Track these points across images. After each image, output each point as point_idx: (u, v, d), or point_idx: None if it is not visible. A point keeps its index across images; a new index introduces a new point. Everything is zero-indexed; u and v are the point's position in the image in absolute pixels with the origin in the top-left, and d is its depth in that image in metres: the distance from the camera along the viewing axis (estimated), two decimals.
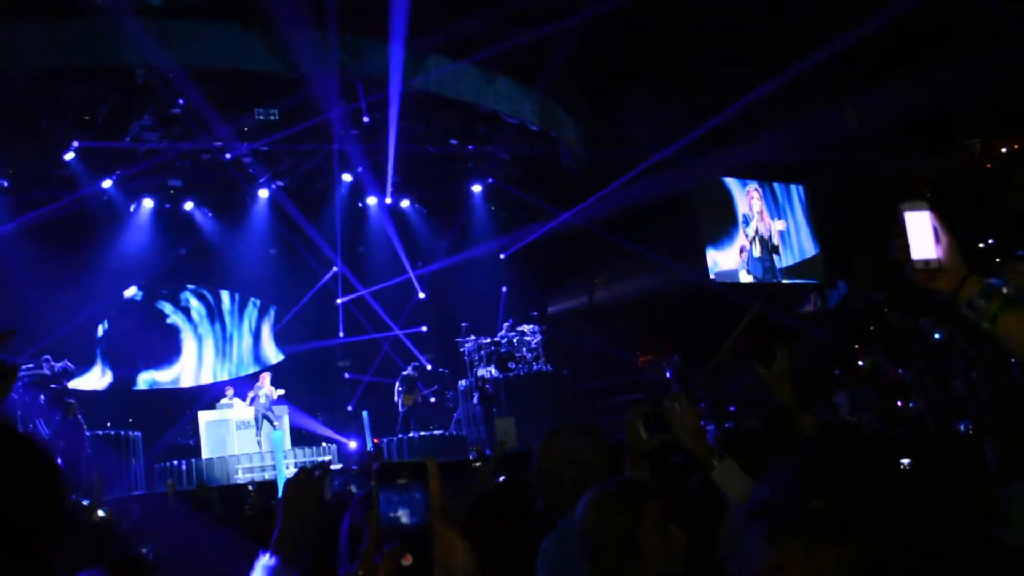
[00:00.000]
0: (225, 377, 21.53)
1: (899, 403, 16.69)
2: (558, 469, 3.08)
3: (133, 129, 16.93)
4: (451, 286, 22.83)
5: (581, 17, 16.22)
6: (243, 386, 19.23)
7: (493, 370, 19.03)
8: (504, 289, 22.46)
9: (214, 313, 22.18)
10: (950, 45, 17.94)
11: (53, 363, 16.86)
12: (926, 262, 2.06)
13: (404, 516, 1.49)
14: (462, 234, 23.15)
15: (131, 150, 17.85)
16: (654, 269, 22.56)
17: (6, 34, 14.19)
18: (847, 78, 19.26)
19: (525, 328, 19.89)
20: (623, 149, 20.39)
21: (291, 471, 16.34)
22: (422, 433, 18.83)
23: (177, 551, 4.43)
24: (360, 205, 22.22)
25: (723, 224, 24.12)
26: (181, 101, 16.24)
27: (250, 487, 11.85)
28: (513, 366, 19.17)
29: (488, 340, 19.76)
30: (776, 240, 25.15)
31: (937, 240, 2.07)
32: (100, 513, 6.75)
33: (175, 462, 17.11)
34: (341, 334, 22.36)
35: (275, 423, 17.96)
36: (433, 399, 20.66)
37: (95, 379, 19.98)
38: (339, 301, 22.27)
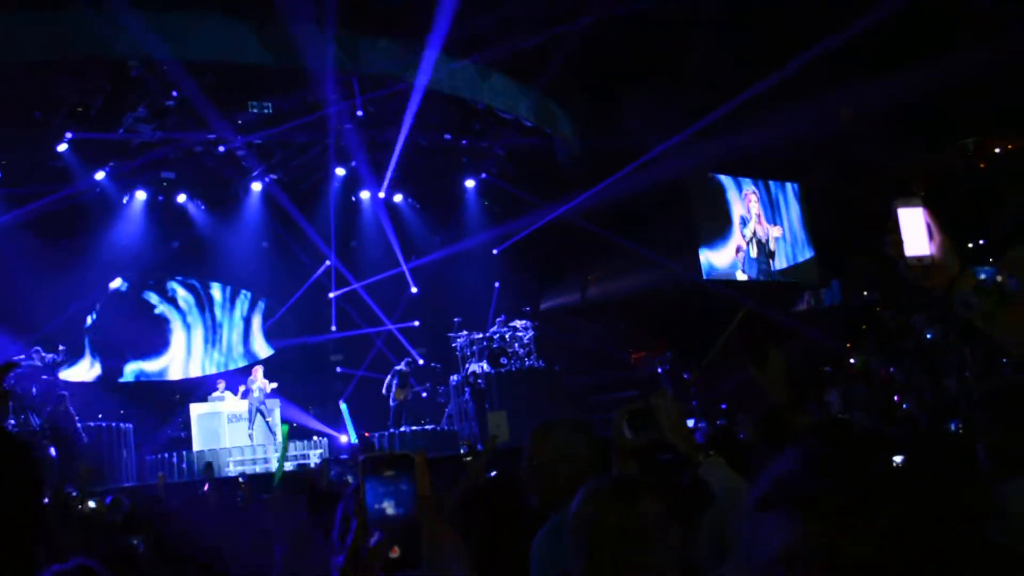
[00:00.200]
0: (213, 371, 21.48)
1: (892, 401, 16.70)
2: (550, 465, 3.08)
3: (127, 121, 16.90)
4: (444, 281, 22.81)
5: (578, 16, 16.25)
6: (234, 379, 19.22)
7: (485, 365, 19.03)
8: (497, 284, 22.45)
9: (203, 305, 22.11)
10: (945, 43, 17.95)
11: (43, 354, 16.85)
12: (919, 258, 2.06)
13: (391, 508, 1.49)
14: (455, 229, 23.12)
15: (124, 142, 17.81)
16: (648, 266, 22.57)
17: (0, 24, 14.15)
18: (841, 75, 19.25)
19: (518, 324, 19.89)
20: (618, 145, 20.40)
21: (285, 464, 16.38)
22: (413, 428, 18.83)
23: (170, 543, 4.42)
24: (353, 199, 22.20)
25: (718, 222, 24.13)
26: (175, 93, 16.22)
27: (241, 479, 11.82)
28: (505, 361, 19.15)
29: (480, 335, 19.77)
30: (773, 245, 25.18)
31: (931, 237, 2.06)
32: (91, 504, 6.74)
33: (166, 455, 17.10)
34: (333, 328, 22.33)
35: (268, 417, 17.96)
36: (425, 394, 20.66)
37: (84, 370, 19.94)
38: (332, 295, 22.24)
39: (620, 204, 20.53)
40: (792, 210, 26.16)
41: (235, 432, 17.85)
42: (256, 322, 22.69)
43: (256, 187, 20.76)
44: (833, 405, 16.99)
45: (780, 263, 25.39)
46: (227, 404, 18.27)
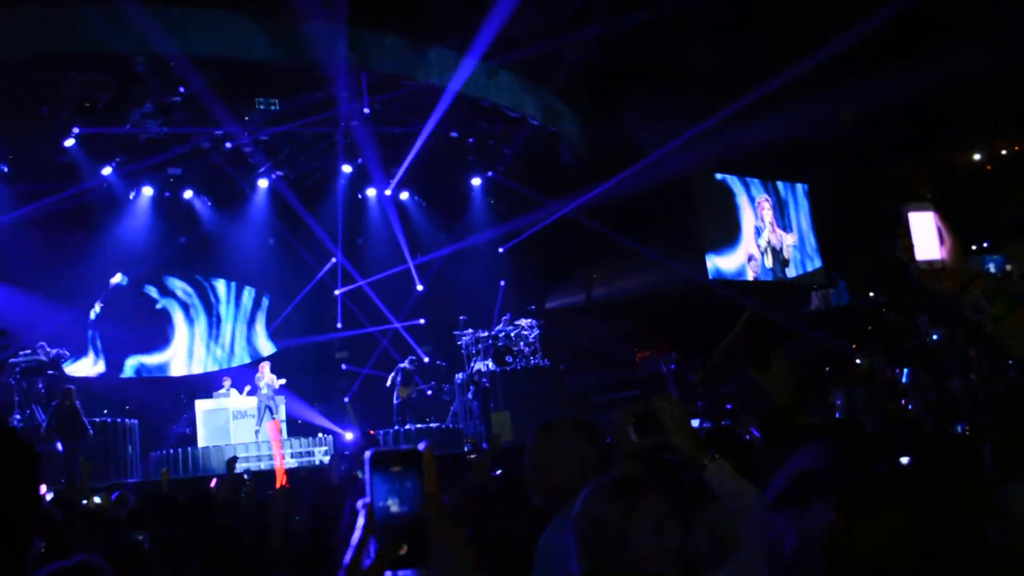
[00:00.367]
0: (215, 367, 21.51)
1: (896, 403, 16.67)
2: (553, 464, 3.08)
3: (133, 117, 16.90)
4: (449, 279, 22.81)
5: (586, 16, 16.25)
6: (240, 376, 19.23)
7: (490, 363, 19.03)
8: (502, 283, 22.44)
9: (206, 301, 22.10)
10: (950, 44, 17.92)
11: (48, 349, 16.90)
12: (930, 263, 2.07)
13: (398, 504, 1.48)
14: (461, 227, 23.12)
15: (131, 138, 17.83)
16: (653, 266, 22.55)
17: (7, 19, 14.17)
18: (845, 76, 19.23)
19: (523, 322, 19.88)
20: (623, 145, 20.39)
21: (289, 461, 16.41)
22: (418, 425, 18.86)
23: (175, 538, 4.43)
24: (360, 196, 22.21)
25: (725, 224, 24.12)
26: (182, 89, 16.21)
27: (246, 476, 11.84)
28: (510, 360, 19.15)
29: (486, 333, 19.76)
30: (787, 253, 25.16)
31: (941, 241, 2.07)
32: (96, 500, 6.76)
33: (171, 450, 17.13)
34: (339, 325, 22.34)
35: (275, 414, 18.00)
36: (430, 392, 20.67)
37: (88, 366, 19.97)
38: (338, 292, 22.25)
39: (626, 203, 20.53)
40: (802, 213, 26.13)
41: (240, 429, 17.87)
42: (260, 319, 22.70)
43: (262, 184, 20.77)
44: (838, 407, 16.97)
45: (793, 271, 25.42)
46: (233, 400, 18.29)
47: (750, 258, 24.19)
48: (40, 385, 16.24)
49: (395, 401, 19.18)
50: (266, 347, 22.45)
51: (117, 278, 20.19)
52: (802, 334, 21.95)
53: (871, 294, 25.67)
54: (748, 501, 2.58)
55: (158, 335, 21.33)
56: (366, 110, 17.98)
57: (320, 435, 18.82)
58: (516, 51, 17.14)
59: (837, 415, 14.77)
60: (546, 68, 18.47)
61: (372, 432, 18.47)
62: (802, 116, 19.14)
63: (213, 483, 7.76)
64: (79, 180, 18.45)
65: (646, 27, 16.96)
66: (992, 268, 22.92)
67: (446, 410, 20.02)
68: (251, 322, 22.60)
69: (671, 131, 19.98)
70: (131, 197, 19.96)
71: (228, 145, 18.72)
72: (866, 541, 1.31)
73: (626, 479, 2.39)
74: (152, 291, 21.39)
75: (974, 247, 22.70)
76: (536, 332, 19.83)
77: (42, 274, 19.20)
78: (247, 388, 18.29)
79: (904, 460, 3.69)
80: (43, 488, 7.94)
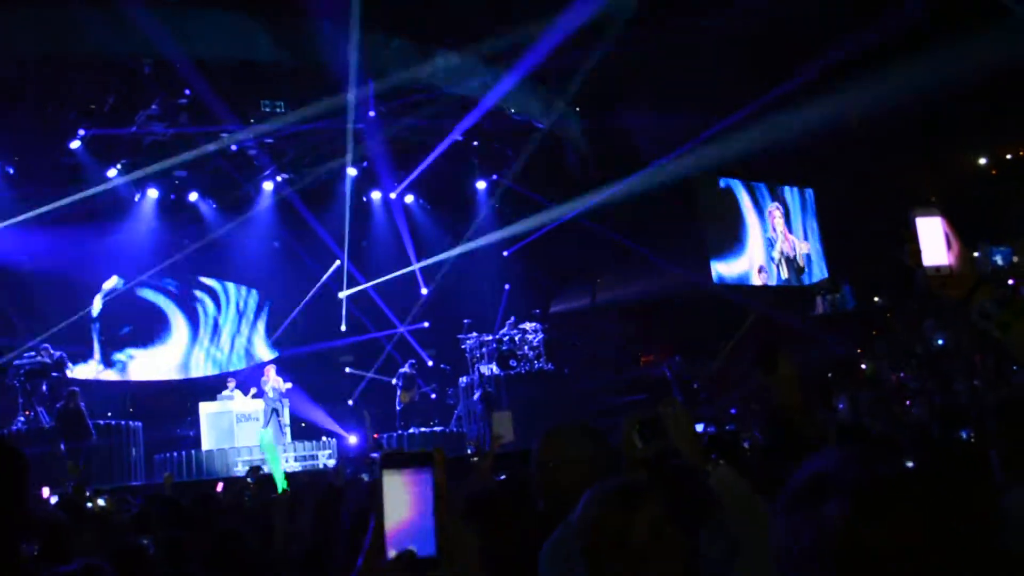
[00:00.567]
0: (213, 371, 21.57)
1: (901, 407, 16.65)
2: (558, 470, 3.09)
3: (139, 119, 16.93)
4: (454, 282, 22.80)
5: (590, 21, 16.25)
6: (245, 379, 19.23)
7: (494, 367, 19.03)
8: (507, 287, 22.43)
9: (205, 304, 22.12)
10: (957, 50, 17.90)
11: (52, 351, 16.92)
12: (937, 268, 2.06)
13: (408, 508, 1.47)
14: (466, 230, 23.12)
15: (137, 140, 17.86)
16: (657, 270, 22.53)
17: (13, 22, 14.20)
18: (852, 81, 19.23)
19: (527, 326, 19.87)
20: (628, 149, 20.41)
21: (292, 464, 16.42)
22: (422, 429, 18.86)
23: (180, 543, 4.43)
24: (364, 199, 22.22)
25: (729, 227, 24.10)
26: (187, 91, 16.24)
27: (249, 479, 11.84)
28: (514, 364, 19.16)
29: (490, 337, 19.76)
30: (802, 261, 25.15)
31: (949, 246, 2.06)
32: (101, 502, 6.76)
33: (174, 453, 17.12)
34: (343, 328, 22.35)
35: (281, 417, 18.02)
36: (434, 396, 20.69)
37: (92, 368, 20.03)
38: (342, 295, 22.26)
39: (630, 207, 20.52)
40: (809, 219, 26.11)
41: (244, 431, 17.86)
42: (260, 324, 22.72)
43: (268, 186, 20.80)
44: (842, 412, 16.96)
45: (809, 278, 25.44)
46: (237, 403, 18.27)
47: (760, 269, 24.14)
48: (44, 387, 16.25)
49: (397, 406, 19.19)
50: (265, 353, 22.47)
51: (112, 281, 20.23)
52: (807, 338, 21.95)
53: (876, 298, 25.68)
54: (751, 505, 2.58)
55: (156, 337, 21.34)
56: (371, 113, 18.00)
57: (324, 438, 18.80)
58: (523, 56, 17.17)
59: (841, 419, 14.71)
60: (551, 71, 18.47)
61: (376, 436, 18.47)
62: (808, 120, 19.13)
63: (219, 487, 7.76)
64: (84, 182, 18.49)
65: (651, 32, 16.99)
66: (999, 260, 22.92)
67: (450, 414, 20.02)
68: (252, 327, 22.61)
69: (676, 135, 19.99)
70: (136, 199, 20.00)
71: (233, 147, 18.75)
72: (880, 542, 1.31)
73: (627, 484, 2.39)
74: (149, 294, 21.38)
75: (977, 254, 22.66)
76: (540, 336, 19.83)
77: (47, 276, 19.26)
78: (253, 391, 18.28)
79: (909, 464, 3.68)
80: (46, 491, 7.96)
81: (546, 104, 19.65)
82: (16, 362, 16.97)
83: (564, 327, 22.18)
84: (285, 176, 20.58)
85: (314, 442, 18.44)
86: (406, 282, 22.45)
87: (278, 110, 17.17)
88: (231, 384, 18.63)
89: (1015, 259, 22.97)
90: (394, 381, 19.47)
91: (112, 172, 18.72)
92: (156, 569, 3.89)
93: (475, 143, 20.19)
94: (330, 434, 19.38)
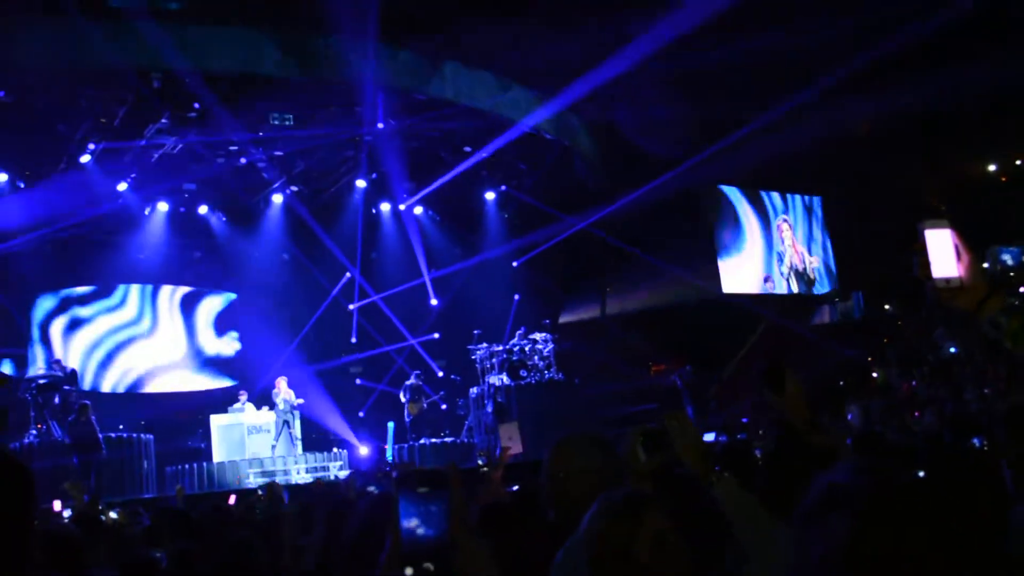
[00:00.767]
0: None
1: (912, 416, 16.60)
2: (568, 480, 3.10)
3: (149, 132, 16.98)
4: (463, 293, 22.81)
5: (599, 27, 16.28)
6: (257, 391, 19.24)
7: (505, 378, 19.02)
8: (516, 297, 22.42)
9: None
10: (965, 57, 17.89)
11: (64, 365, 17.01)
12: (947, 280, 2.06)
13: (425, 527, 1.48)
14: (475, 241, 23.13)
15: (147, 153, 17.92)
16: (667, 279, 22.53)
17: (23, 36, 14.27)
18: (862, 88, 19.22)
19: (537, 336, 19.85)
20: (638, 159, 20.40)
21: (304, 476, 16.42)
22: (433, 440, 18.85)
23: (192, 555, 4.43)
24: (373, 211, 22.25)
25: (735, 236, 24.08)
26: (196, 104, 16.28)
27: (260, 492, 11.84)
28: (525, 374, 19.14)
29: (500, 347, 19.75)
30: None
31: (958, 258, 2.06)
32: (113, 515, 6.76)
33: (186, 465, 17.15)
34: (353, 340, 22.36)
35: (291, 429, 18.06)
36: (444, 406, 20.69)
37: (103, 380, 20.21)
38: (352, 307, 22.28)
39: (640, 217, 20.52)
40: (817, 228, 26.06)
41: (255, 443, 17.88)
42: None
43: (277, 199, 20.86)
44: (853, 421, 16.91)
45: (819, 289, 25.42)
46: (248, 415, 18.30)
47: (766, 278, 24.10)
48: (56, 400, 16.30)
49: (406, 418, 19.20)
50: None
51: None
52: (818, 346, 21.92)
53: (886, 306, 25.62)
54: (755, 517, 2.59)
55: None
56: (380, 124, 18.03)
57: (335, 450, 18.81)
58: (530, 66, 17.20)
59: (853, 429, 14.67)
60: (558, 80, 18.48)
61: (385, 447, 18.48)
62: (816, 128, 19.12)
63: (232, 500, 7.76)
64: (95, 196, 18.58)
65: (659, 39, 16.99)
66: (1009, 260, 22.86)
67: (461, 424, 20.01)
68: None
69: (685, 145, 19.99)
70: (147, 212, 20.08)
71: (243, 160, 18.80)
72: (887, 554, 1.31)
73: (630, 495, 2.40)
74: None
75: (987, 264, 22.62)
76: (551, 346, 19.81)
77: (57, 289, 19.38)
78: (263, 405, 18.32)
79: (920, 473, 3.67)
80: (58, 505, 7.97)
81: (555, 115, 19.64)
82: (28, 375, 17.07)
83: (574, 337, 22.16)
84: (294, 188, 20.63)
85: (325, 453, 18.45)
86: (416, 294, 22.45)
87: (287, 123, 17.19)
88: (243, 397, 18.65)
89: None
90: (401, 396, 19.47)
91: (122, 186, 18.80)
92: None
93: (484, 154, 20.20)
94: (341, 445, 19.39)
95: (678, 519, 2.33)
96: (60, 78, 15.16)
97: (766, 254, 24.58)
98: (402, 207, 21.85)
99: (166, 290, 21.89)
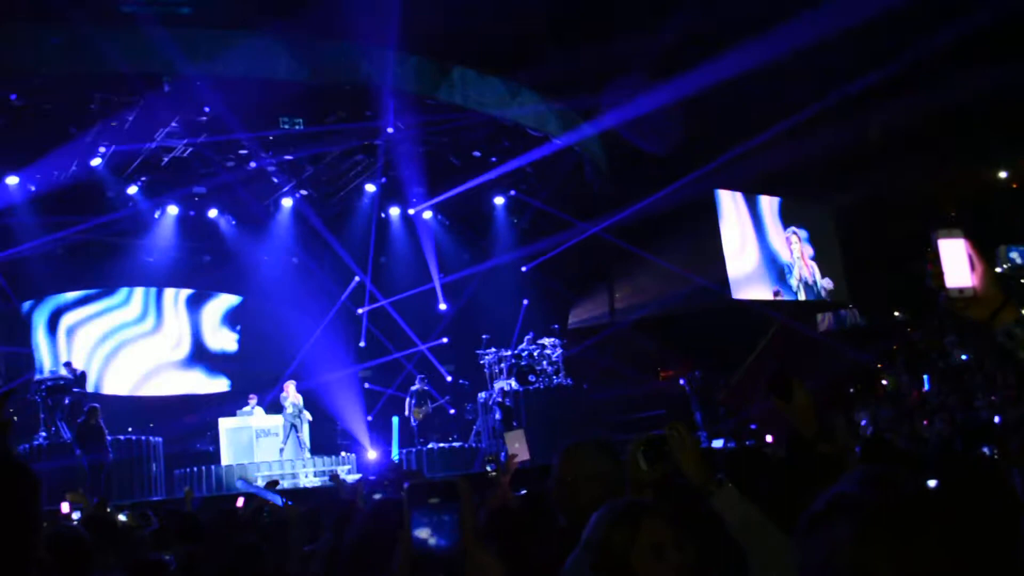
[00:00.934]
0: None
1: (922, 423, 16.55)
2: (577, 485, 3.11)
3: (159, 136, 17.03)
4: (472, 298, 22.80)
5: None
6: (266, 394, 19.26)
7: (513, 383, 19.01)
8: (525, 302, 22.41)
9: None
10: (975, 62, 17.87)
11: (74, 367, 17.06)
12: (960, 290, 2.04)
13: (436, 538, 1.47)
14: (484, 246, 23.13)
15: (157, 157, 17.97)
16: (677, 284, 22.48)
17: (34, 41, 14.32)
18: (872, 95, 19.20)
19: (546, 341, 19.85)
20: (647, 163, 20.39)
21: (312, 479, 16.42)
22: (441, 445, 18.85)
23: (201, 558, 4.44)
24: (383, 216, 22.26)
25: (741, 242, 24.01)
26: (207, 108, 16.32)
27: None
28: (533, 379, 19.14)
29: (508, 352, 19.75)
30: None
31: (972, 267, 2.05)
32: (121, 517, 6.77)
33: (194, 468, 17.17)
34: (362, 344, 22.37)
35: (300, 432, 18.08)
36: (452, 410, 20.69)
37: (112, 382, 20.25)
38: (361, 310, 22.30)
39: (649, 221, 20.50)
40: (828, 236, 25.97)
41: (264, 447, 17.91)
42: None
43: (287, 203, 20.89)
44: (863, 427, 16.88)
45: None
46: (256, 419, 18.33)
47: (776, 292, 24.02)
48: (66, 402, 16.36)
49: (413, 423, 19.21)
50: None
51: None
52: (830, 351, 21.88)
53: (896, 313, 25.56)
54: (756, 526, 2.59)
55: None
56: (390, 129, 18.05)
57: (343, 454, 18.82)
58: (540, 71, 17.22)
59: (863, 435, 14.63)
60: (568, 85, 18.49)
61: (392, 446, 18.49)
62: (827, 136, 19.10)
63: (240, 503, 7.75)
64: (105, 200, 18.65)
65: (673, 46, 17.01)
66: (1018, 259, 22.75)
67: (469, 429, 20.00)
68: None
69: (696, 150, 19.98)
70: (156, 216, 20.14)
71: (252, 164, 18.83)
72: (892, 562, 1.31)
73: (630, 505, 2.43)
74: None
75: (999, 270, 22.52)
76: (559, 351, 19.81)
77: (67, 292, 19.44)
78: (280, 418, 18.38)
79: (932, 482, 3.65)
80: (66, 507, 7.97)
81: (564, 120, 19.64)
82: (38, 377, 17.13)
83: (582, 342, 22.15)
84: (304, 192, 20.66)
85: (333, 457, 18.46)
86: (424, 298, 22.45)
87: (297, 127, 17.21)
88: (252, 400, 18.68)
89: None
90: (408, 400, 19.48)
91: (132, 189, 18.87)
92: None
93: (493, 158, 20.20)
94: (350, 449, 19.39)
95: (678, 528, 2.35)
96: (71, 82, 15.20)
97: (774, 263, 24.48)
98: (411, 211, 21.86)
99: (173, 292, 21.98)
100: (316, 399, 19.46)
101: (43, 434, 16.08)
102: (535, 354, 19.60)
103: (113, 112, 16.19)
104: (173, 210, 20.25)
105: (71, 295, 20.56)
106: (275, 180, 19.88)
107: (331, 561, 4.28)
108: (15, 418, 17.56)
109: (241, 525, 6.03)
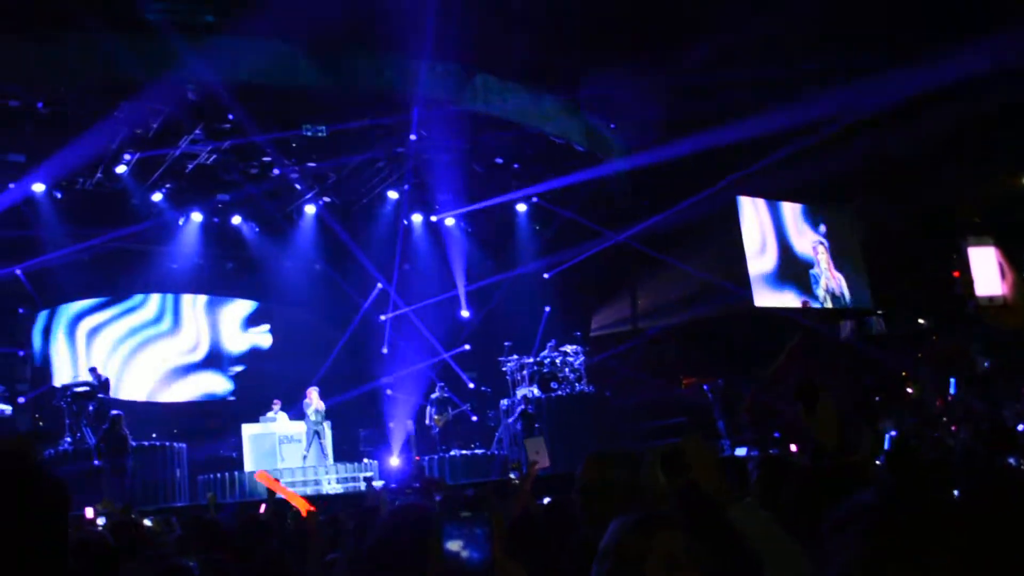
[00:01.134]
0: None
1: (947, 431, 16.43)
2: (599, 493, 3.11)
3: (183, 144, 17.13)
4: (494, 305, 22.79)
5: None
6: (290, 401, 19.29)
7: (535, 390, 19.00)
8: (547, 309, 22.38)
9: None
10: (1008, 70, 17.73)
11: (99, 374, 17.18)
12: (991, 298, 2.03)
13: (468, 550, 1.48)
14: (506, 253, 23.11)
15: (181, 164, 18.08)
16: (700, 291, 22.39)
17: (59, 50, 14.45)
18: (896, 100, 19.08)
19: (568, 348, 19.84)
20: (669, 170, 20.35)
21: (334, 486, 16.45)
22: (463, 452, 18.85)
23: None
24: (405, 223, 22.30)
25: (764, 249, 23.88)
26: (231, 116, 16.41)
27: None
28: (555, 386, 19.12)
29: (531, 359, 19.74)
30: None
31: (1003, 276, 2.03)
32: (147, 523, 6.80)
33: (218, 474, 17.23)
34: (384, 351, 22.40)
35: (323, 439, 18.13)
36: (475, 417, 20.69)
37: (136, 389, 20.37)
38: (384, 317, 22.34)
39: (672, 228, 20.45)
40: (852, 244, 25.79)
41: (287, 453, 17.96)
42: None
43: (310, 210, 20.96)
44: (889, 436, 16.75)
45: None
46: (280, 425, 18.38)
47: (804, 303, 23.86)
48: (91, 408, 16.49)
49: (434, 431, 19.23)
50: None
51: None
52: (855, 358, 21.75)
53: (920, 320, 25.37)
54: (773, 538, 2.58)
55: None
56: (413, 136, 18.09)
57: (366, 460, 18.84)
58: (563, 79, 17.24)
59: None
60: (590, 92, 18.50)
61: (418, 458, 18.50)
62: (850, 139, 19.00)
63: (262, 508, 7.78)
64: (130, 207, 18.80)
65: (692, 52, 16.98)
66: None
67: (491, 436, 20.00)
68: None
69: (721, 158, 19.91)
70: (180, 223, 20.26)
71: (276, 171, 18.91)
72: (907, 570, 1.31)
73: (646, 515, 2.43)
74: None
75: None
76: (581, 358, 19.78)
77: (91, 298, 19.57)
78: (303, 424, 18.45)
79: (955, 492, 3.63)
80: (90, 512, 8.02)
81: (587, 126, 19.63)
82: (64, 383, 17.27)
83: (605, 349, 22.10)
84: (327, 200, 20.74)
85: (356, 464, 18.48)
86: (447, 305, 22.47)
87: (320, 134, 17.27)
88: (276, 406, 18.73)
89: None
90: (428, 408, 19.49)
91: (157, 196, 19.00)
92: None
93: (516, 165, 20.21)
94: (372, 456, 19.42)
95: (693, 540, 2.35)
96: (96, 90, 15.32)
97: (798, 270, 24.31)
98: (434, 218, 21.89)
99: (192, 299, 22.07)
100: (339, 406, 19.49)
101: (68, 439, 16.21)
102: (557, 361, 19.58)
103: (138, 120, 16.31)
104: (197, 217, 20.37)
105: (89, 301, 20.68)
106: (298, 187, 19.98)
107: (353, 567, 4.29)
108: (40, 423, 17.77)
109: (264, 532, 6.05)
